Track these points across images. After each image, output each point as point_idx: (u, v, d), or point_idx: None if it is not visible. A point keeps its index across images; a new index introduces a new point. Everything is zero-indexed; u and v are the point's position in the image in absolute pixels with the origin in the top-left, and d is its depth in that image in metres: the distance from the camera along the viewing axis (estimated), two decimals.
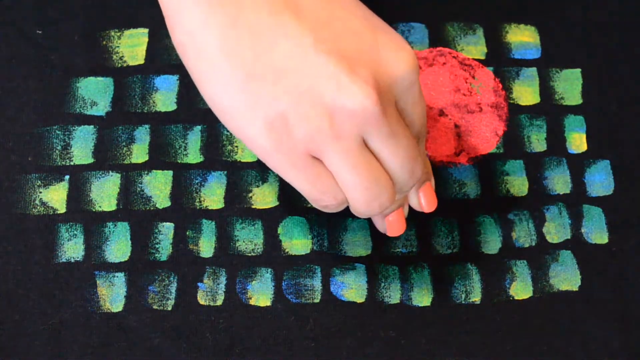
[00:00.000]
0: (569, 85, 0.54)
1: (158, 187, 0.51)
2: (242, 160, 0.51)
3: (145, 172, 0.51)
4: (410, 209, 0.48)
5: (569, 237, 0.51)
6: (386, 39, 0.40)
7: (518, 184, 0.52)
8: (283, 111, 0.39)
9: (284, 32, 0.39)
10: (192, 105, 0.53)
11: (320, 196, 0.41)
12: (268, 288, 0.49)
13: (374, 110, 0.39)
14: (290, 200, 0.51)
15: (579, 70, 0.55)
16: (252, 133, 0.40)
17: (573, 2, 0.57)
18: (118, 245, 0.49)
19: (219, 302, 0.48)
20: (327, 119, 0.39)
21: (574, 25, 0.56)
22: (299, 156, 0.40)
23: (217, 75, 0.39)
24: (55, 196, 0.50)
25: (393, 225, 0.46)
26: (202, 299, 0.48)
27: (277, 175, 0.51)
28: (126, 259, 0.49)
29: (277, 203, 0.50)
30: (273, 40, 0.39)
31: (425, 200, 0.46)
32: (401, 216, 0.46)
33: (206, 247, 0.49)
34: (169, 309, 0.48)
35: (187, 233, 0.50)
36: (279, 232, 0.50)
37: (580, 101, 0.54)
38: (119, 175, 0.51)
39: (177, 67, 0.53)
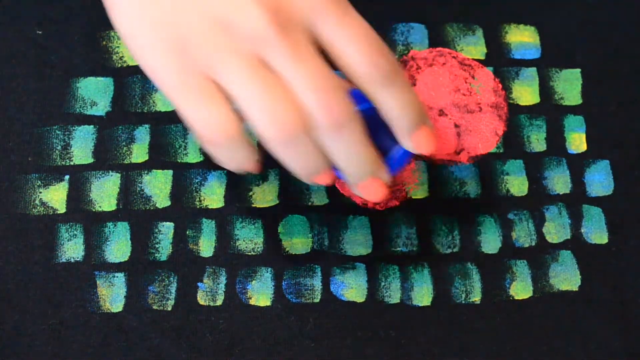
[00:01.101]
0: (569, 85, 0.55)
1: (158, 187, 0.51)
2: None
3: (145, 172, 0.51)
4: (412, 207, 0.48)
5: (568, 237, 0.51)
6: None
7: (518, 183, 0.52)
8: (181, 32, 0.39)
9: None
10: None
11: (207, 123, 0.39)
12: (268, 288, 0.49)
13: (267, 31, 0.38)
14: (291, 199, 0.51)
15: (578, 70, 0.55)
16: (151, 57, 0.40)
17: (573, 2, 0.57)
18: (118, 245, 0.49)
19: (219, 302, 0.48)
20: (223, 36, 0.39)
21: (574, 25, 0.56)
22: (195, 77, 0.39)
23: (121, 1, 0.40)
24: (55, 196, 0.50)
25: (366, 189, 0.42)
26: (202, 299, 0.48)
27: (278, 174, 0.51)
28: (126, 259, 0.49)
29: (277, 202, 0.50)
30: None
31: (422, 147, 0.43)
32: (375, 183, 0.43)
33: (206, 246, 0.49)
34: (169, 309, 0.48)
35: (187, 232, 0.50)
36: (279, 231, 0.50)
37: (580, 101, 0.54)
38: (119, 175, 0.51)
39: None
